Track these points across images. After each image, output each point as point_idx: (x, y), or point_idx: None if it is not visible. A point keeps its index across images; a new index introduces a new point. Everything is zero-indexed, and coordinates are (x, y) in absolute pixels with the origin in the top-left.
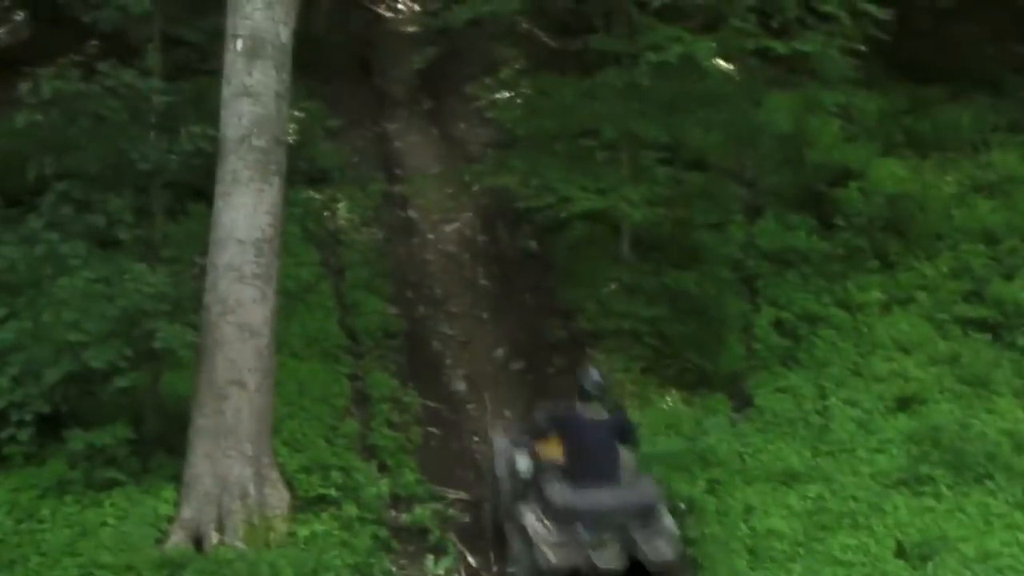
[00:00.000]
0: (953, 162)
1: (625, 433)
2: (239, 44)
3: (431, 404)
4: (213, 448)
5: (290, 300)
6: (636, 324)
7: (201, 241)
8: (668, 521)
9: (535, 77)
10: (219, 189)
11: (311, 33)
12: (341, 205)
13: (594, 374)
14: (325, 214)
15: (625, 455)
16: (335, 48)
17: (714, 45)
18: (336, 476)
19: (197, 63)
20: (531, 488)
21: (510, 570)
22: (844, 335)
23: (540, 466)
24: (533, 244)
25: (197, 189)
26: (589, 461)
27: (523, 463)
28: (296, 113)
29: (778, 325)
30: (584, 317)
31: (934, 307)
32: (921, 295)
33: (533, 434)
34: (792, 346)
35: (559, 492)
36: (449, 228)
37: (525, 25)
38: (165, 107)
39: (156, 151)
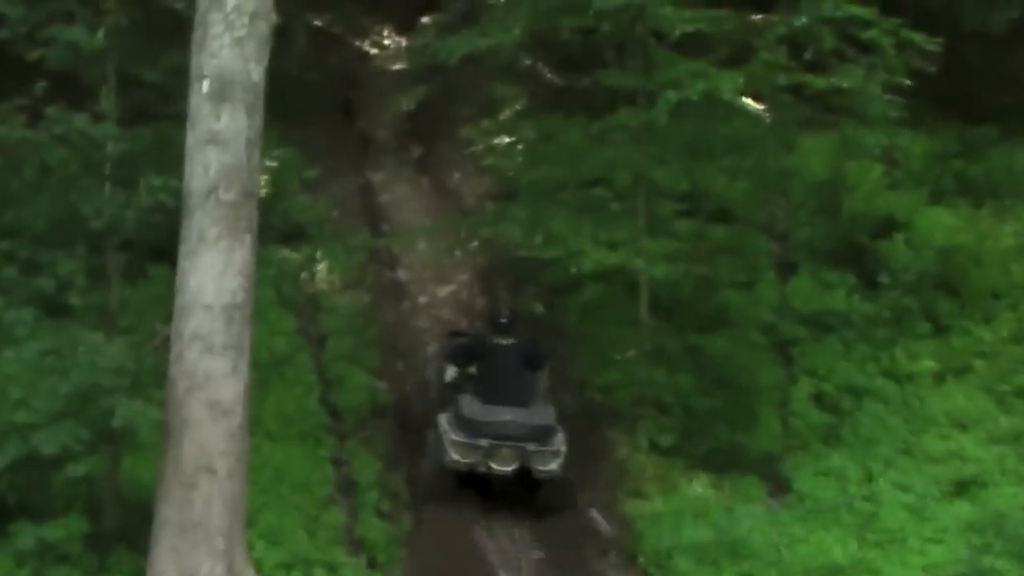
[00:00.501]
0: (1010, 210)
1: (534, 359)
2: (205, 85)
3: None
4: (180, 542)
5: (265, 374)
6: (658, 397)
7: (164, 307)
8: (559, 440)
9: (539, 118)
10: (183, 249)
11: (286, 72)
12: (321, 266)
13: (503, 309)
14: (303, 276)
15: (535, 379)
16: (314, 88)
17: (741, 81)
18: (320, 574)
19: (157, 106)
20: (450, 400)
21: (422, 464)
22: (892, 409)
23: (462, 378)
24: (539, 307)
25: (158, 249)
26: (497, 382)
27: (450, 372)
28: (269, 163)
29: (818, 398)
30: (598, 389)
31: (993, 377)
32: (979, 363)
33: (457, 361)
34: (834, 422)
35: (468, 405)
36: (443, 290)
37: (527, 60)
38: (121, 156)
39: (111, 206)
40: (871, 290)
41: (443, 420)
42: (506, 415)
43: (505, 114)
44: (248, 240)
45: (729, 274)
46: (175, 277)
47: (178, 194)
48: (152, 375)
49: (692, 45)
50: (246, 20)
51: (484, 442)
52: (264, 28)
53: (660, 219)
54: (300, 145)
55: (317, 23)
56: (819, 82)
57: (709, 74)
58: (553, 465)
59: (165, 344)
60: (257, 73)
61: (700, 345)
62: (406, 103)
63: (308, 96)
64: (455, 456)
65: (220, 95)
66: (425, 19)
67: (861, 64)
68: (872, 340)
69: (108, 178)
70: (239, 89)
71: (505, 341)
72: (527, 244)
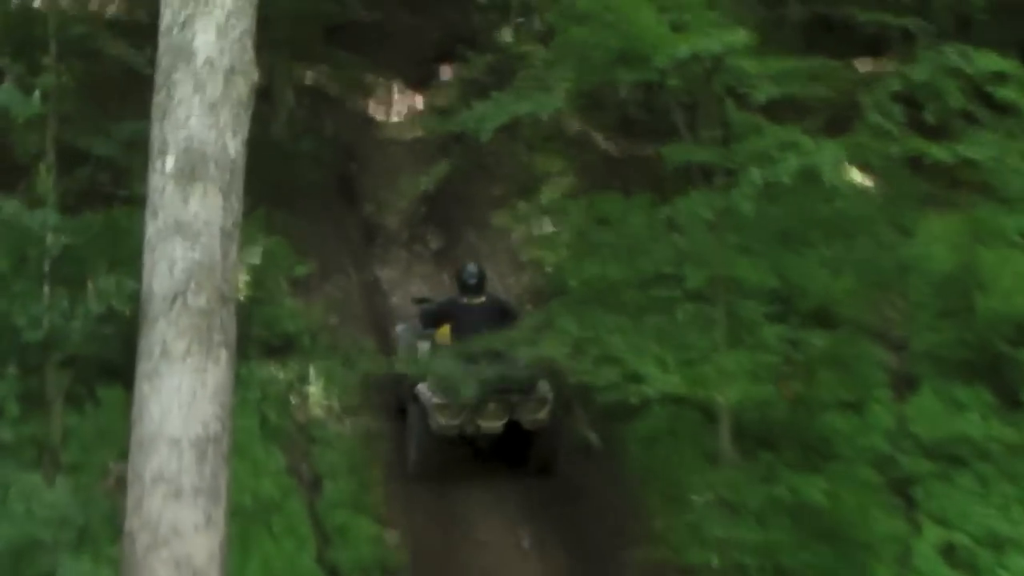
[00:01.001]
0: None
1: (505, 315)
2: (169, 162)
3: None
4: None
5: (247, 525)
6: (742, 554)
7: (117, 441)
8: (544, 388)
9: (590, 199)
10: (142, 367)
11: (273, 143)
12: (314, 387)
13: (472, 267)
14: (293, 400)
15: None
16: (306, 163)
17: (845, 152)
18: None
19: (109, 187)
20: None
21: (407, 436)
22: None
23: (436, 349)
24: (592, 436)
25: (110, 367)
26: (472, 341)
27: (423, 347)
28: (250, 259)
29: (949, 552)
30: (666, 544)
31: None
32: None
33: (426, 324)
34: None
35: (445, 364)
36: None
37: (575, 125)
38: (64, 251)
39: (51, 314)
40: (1013, 410)
41: (423, 389)
42: (486, 369)
43: (548, 194)
44: (224, 356)
45: (832, 393)
46: (132, 403)
47: (135, 298)
48: (104, 527)
49: (782, 108)
50: (220, 78)
51: (468, 400)
52: (243, 88)
53: (744, 326)
54: (289, 235)
55: (308, 81)
56: (943, 152)
57: (804, 145)
58: (541, 414)
59: (120, 487)
60: (235, 145)
61: (796, 485)
62: (424, 182)
63: (300, 172)
64: (440, 421)
65: (189, 174)
66: (443, 73)
67: (997, 130)
68: (1017, 475)
69: (47, 278)
70: (212, 166)
71: (475, 300)
72: (576, 367)
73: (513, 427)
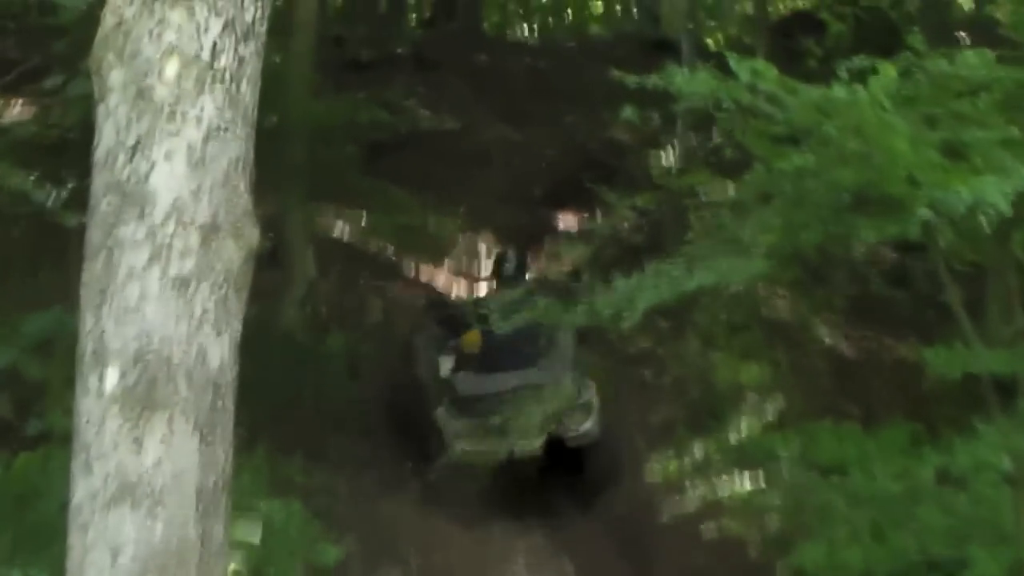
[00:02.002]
0: None
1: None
2: (111, 377)
3: None
4: None
5: None
6: None
7: None
8: (587, 393)
9: (808, 432)
10: None
11: (283, 340)
12: None
13: (511, 256)
14: None
15: (557, 336)
16: (337, 371)
17: None
18: None
19: (9, 420)
20: (448, 388)
21: (430, 476)
22: None
23: (460, 361)
24: None
25: None
26: (503, 345)
27: (446, 364)
28: (248, 538)
29: None
30: None
31: None
32: None
33: (454, 329)
34: None
35: (463, 380)
36: None
37: (785, 309)
38: None
39: None
40: None
41: (440, 413)
42: (512, 380)
43: (739, 424)
44: None
45: None
46: None
47: None
48: None
49: None
50: (195, 239)
51: (495, 418)
52: (233, 254)
53: None
54: (311, 493)
55: (340, 235)
56: None
57: None
58: (587, 424)
59: None
60: (219, 351)
61: None
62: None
63: (325, 389)
64: (464, 447)
65: (143, 398)
66: (562, 221)
67: None
68: None
69: None
70: (182, 384)
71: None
72: None
73: (556, 447)
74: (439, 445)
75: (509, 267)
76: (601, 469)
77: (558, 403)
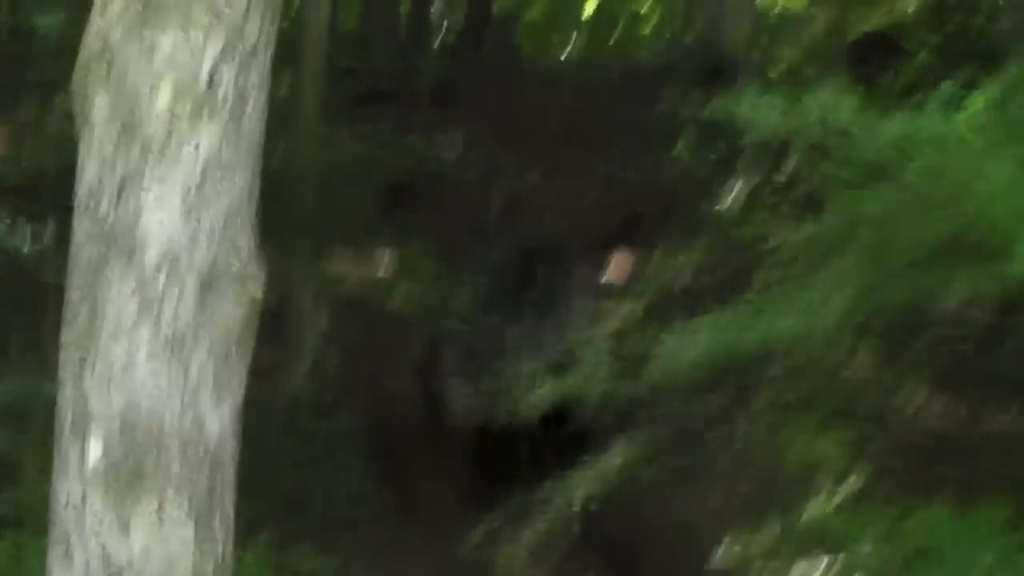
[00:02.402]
0: None
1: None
2: (94, 451)
3: None
4: None
5: None
6: None
7: None
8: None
9: (897, 516)
10: None
11: (289, 410)
12: None
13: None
14: None
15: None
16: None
17: None
18: None
19: None
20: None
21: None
22: None
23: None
24: None
25: None
26: (509, 296)
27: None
28: None
29: None
30: None
31: None
32: None
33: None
34: None
35: (464, 335)
36: None
37: (867, 370)
38: None
39: None
40: None
41: (444, 372)
42: (520, 333)
43: (817, 506)
44: None
45: None
46: None
47: None
48: None
49: None
50: (191, 292)
51: (491, 379)
52: (233, 311)
53: None
54: None
55: (356, 288)
56: None
57: None
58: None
59: None
60: (218, 420)
61: None
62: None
63: (336, 472)
64: (464, 403)
65: (130, 474)
66: (615, 267)
67: None
68: None
69: None
70: (175, 459)
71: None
72: None
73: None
74: (435, 407)
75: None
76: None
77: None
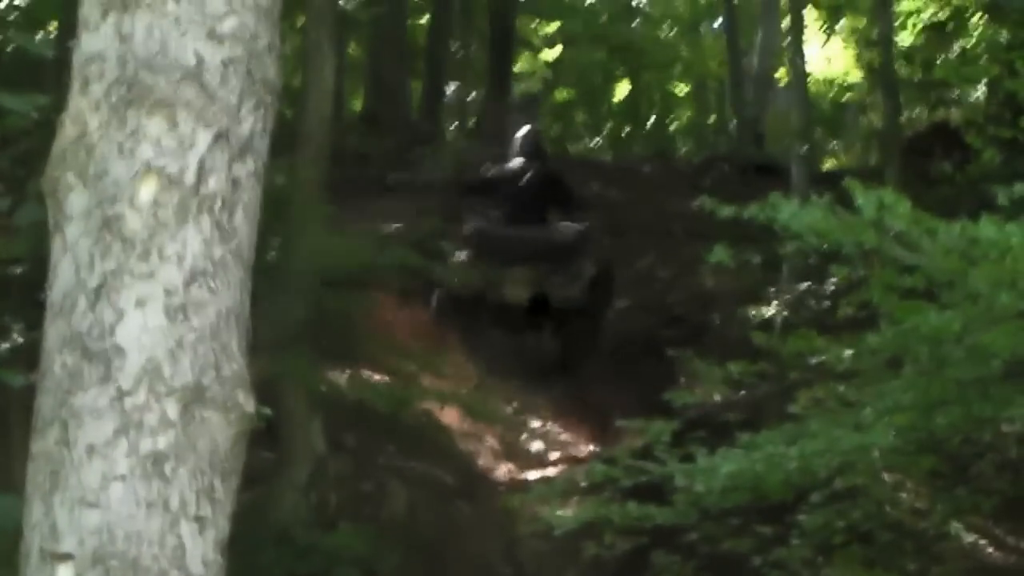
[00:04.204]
0: None
1: (556, 187)
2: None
3: None
4: None
5: None
6: None
7: None
8: (585, 266)
9: None
10: None
11: (281, 537)
12: None
13: (528, 132)
14: None
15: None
16: None
17: None
18: None
19: None
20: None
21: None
22: None
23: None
24: None
25: None
26: (511, 203)
27: (469, 224)
28: None
29: None
30: None
31: None
32: None
33: (478, 192)
34: None
35: (472, 222)
36: None
37: (917, 501)
38: None
39: None
40: None
41: (452, 249)
42: (515, 231)
43: None
44: None
45: None
46: None
47: None
48: None
49: None
50: (173, 410)
51: (491, 262)
52: (221, 432)
53: None
54: None
55: (354, 399)
56: None
57: None
58: (573, 291)
59: None
60: (200, 551)
61: None
62: None
63: None
64: (463, 278)
65: None
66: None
67: None
68: None
69: None
70: None
71: (524, 167)
72: None
73: (542, 304)
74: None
75: (522, 143)
76: (575, 336)
77: (552, 265)
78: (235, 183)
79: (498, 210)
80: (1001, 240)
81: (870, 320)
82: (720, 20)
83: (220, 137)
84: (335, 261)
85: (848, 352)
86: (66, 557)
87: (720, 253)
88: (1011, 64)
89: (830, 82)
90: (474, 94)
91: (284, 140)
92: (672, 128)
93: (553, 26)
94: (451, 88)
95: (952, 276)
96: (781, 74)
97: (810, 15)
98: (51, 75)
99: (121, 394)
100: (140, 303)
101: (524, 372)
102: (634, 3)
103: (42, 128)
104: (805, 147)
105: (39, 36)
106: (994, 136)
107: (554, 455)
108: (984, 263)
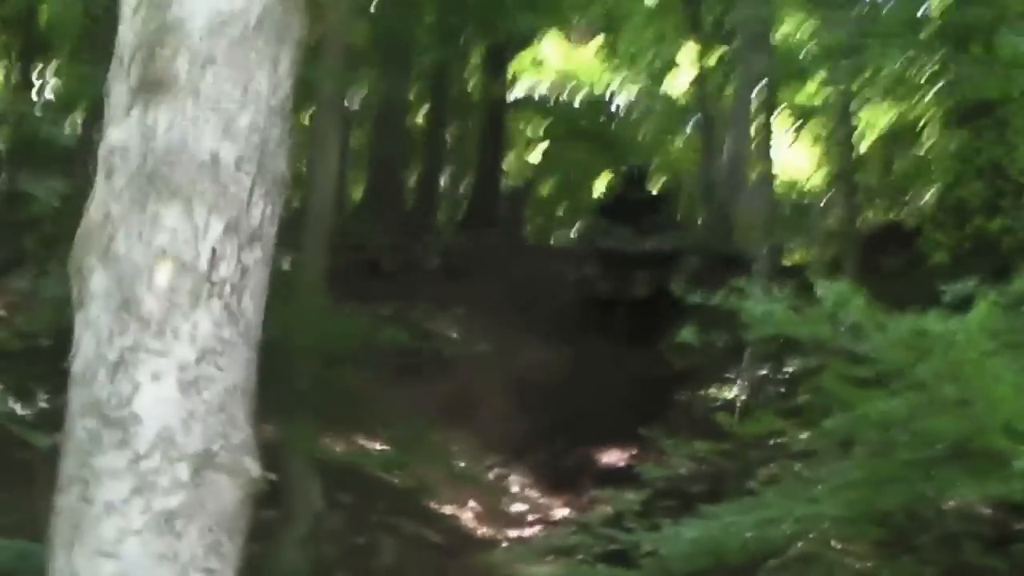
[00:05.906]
0: None
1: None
2: None
3: None
4: None
5: None
6: None
7: None
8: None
9: None
10: None
11: None
12: None
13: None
14: None
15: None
16: None
17: None
18: None
19: None
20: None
21: None
22: None
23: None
24: None
25: None
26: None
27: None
28: None
29: None
30: None
31: None
32: None
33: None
34: None
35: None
36: None
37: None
38: None
39: None
40: None
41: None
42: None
43: None
44: None
45: None
46: None
47: None
48: None
49: None
50: (185, 476)
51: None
52: (228, 495)
53: None
54: None
55: (346, 460)
56: None
57: None
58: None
59: None
60: None
61: None
62: None
63: None
64: (589, 271)
65: None
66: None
67: None
68: None
69: None
70: None
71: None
72: None
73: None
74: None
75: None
76: None
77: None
78: (244, 270)
79: None
80: (947, 334)
81: (825, 405)
82: (696, 118)
83: (231, 226)
84: (335, 339)
85: (804, 434)
86: None
87: (688, 334)
88: (960, 173)
89: (793, 184)
90: (466, 181)
91: (291, 224)
92: None
93: (540, 126)
94: (445, 174)
95: (900, 367)
96: (750, 174)
97: (778, 120)
98: (77, 159)
99: (137, 457)
100: (155, 377)
101: (507, 445)
102: (613, 108)
103: (63, 214)
104: (769, 242)
105: (67, 119)
106: (941, 241)
107: (532, 517)
108: (930, 356)
